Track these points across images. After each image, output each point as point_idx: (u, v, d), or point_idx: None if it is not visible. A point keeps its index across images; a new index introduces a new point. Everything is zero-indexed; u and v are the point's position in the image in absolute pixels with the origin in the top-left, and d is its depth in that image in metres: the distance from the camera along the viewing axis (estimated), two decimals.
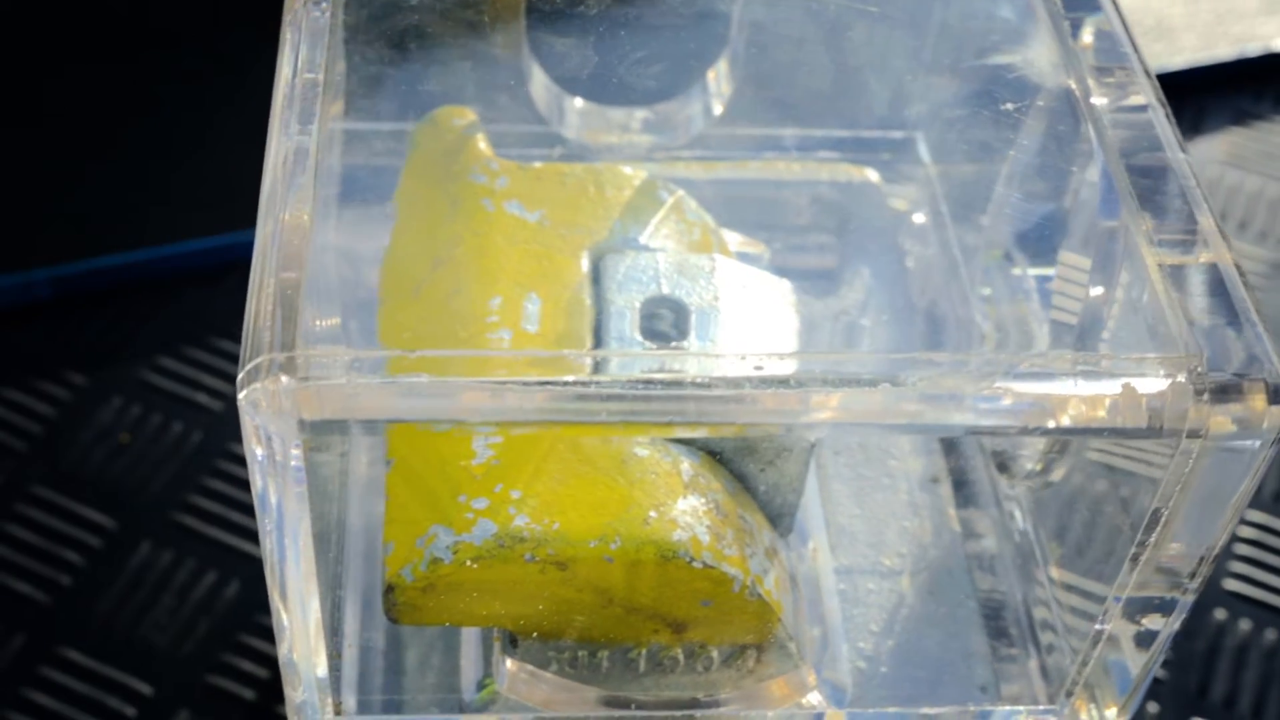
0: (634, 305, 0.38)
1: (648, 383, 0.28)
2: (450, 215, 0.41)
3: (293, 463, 0.27)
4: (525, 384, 0.27)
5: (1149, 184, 0.32)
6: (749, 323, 0.38)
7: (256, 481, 0.29)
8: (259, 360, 0.26)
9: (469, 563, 0.33)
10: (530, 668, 0.35)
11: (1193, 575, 0.33)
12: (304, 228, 0.28)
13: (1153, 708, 0.55)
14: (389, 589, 0.34)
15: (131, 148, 0.62)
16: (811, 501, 0.40)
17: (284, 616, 0.32)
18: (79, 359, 0.61)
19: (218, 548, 0.57)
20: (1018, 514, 0.39)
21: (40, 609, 0.54)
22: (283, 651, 0.33)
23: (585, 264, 0.39)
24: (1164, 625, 0.34)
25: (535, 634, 0.35)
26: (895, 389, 0.27)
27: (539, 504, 0.34)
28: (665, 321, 0.38)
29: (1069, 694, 0.35)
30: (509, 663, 0.35)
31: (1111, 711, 0.35)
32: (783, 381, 0.27)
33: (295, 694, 0.33)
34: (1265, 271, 0.69)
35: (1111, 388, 0.28)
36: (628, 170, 0.40)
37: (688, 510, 0.35)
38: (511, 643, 0.35)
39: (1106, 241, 0.34)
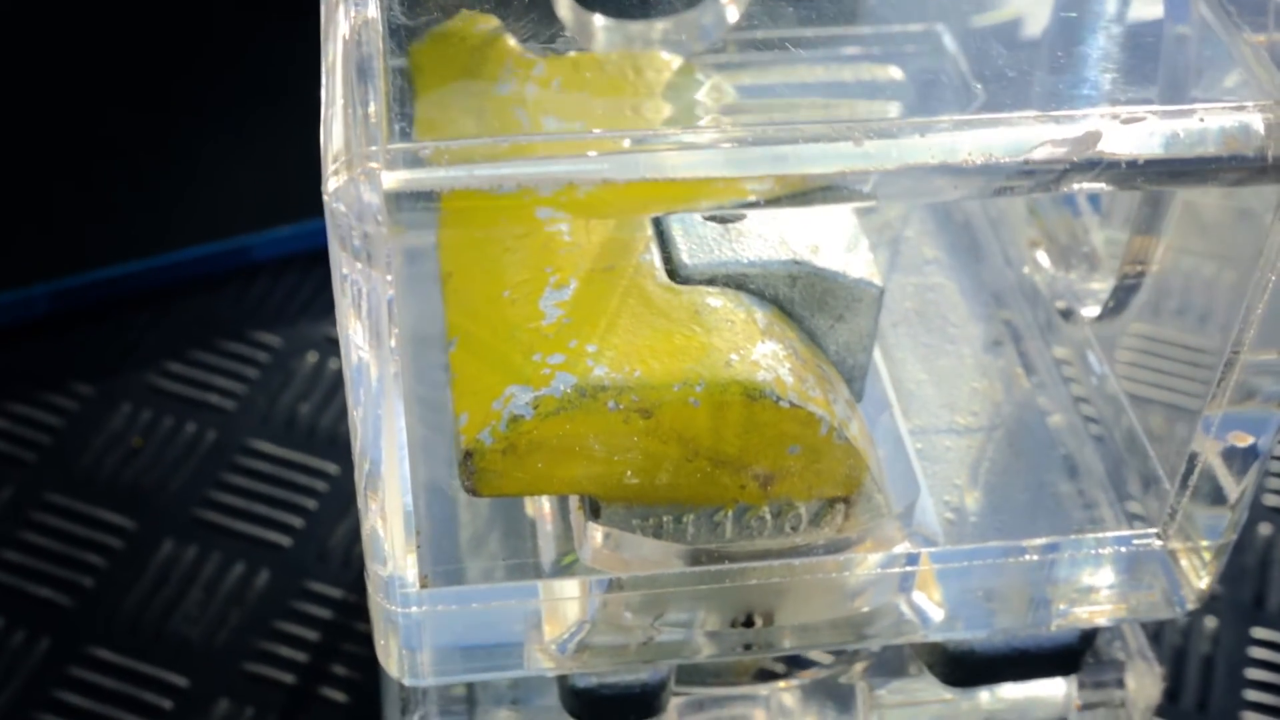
0: None
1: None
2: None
3: (385, 251, 0.26)
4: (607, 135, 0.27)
5: None
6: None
7: (345, 290, 0.27)
8: (344, 155, 0.25)
9: (551, 415, 0.32)
10: (614, 535, 0.33)
11: None
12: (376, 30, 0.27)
13: (1211, 622, 0.54)
14: (467, 455, 0.33)
15: (127, 158, 0.61)
16: (877, 370, 0.39)
17: (368, 469, 0.31)
18: (83, 370, 0.60)
19: (243, 539, 0.55)
20: (1091, 357, 0.38)
21: (63, 611, 0.52)
22: (367, 524, 0.31)
23: None
24: (1260, 442, 0.32)
25: (618, 500, 0.34)
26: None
27: (617, 355, 0.33)
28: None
29: (1171, 516, 0.33)
30: (592, 531, 0.33)
31: (1208, 543, 0.34)
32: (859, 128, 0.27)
33: (381, 568, 0.31)
34: None
35: (1215, 123, 0.27)
36: (665, 56, 0.40)
37: (768, 354, 0.33)
38: (594, 511, 0.34)
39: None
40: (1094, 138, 0.27)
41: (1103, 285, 0.38)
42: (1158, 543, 0.34)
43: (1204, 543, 0.34)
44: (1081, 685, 0.38)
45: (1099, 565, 0.34)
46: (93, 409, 0.58)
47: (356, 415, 0.30)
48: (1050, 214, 0.41)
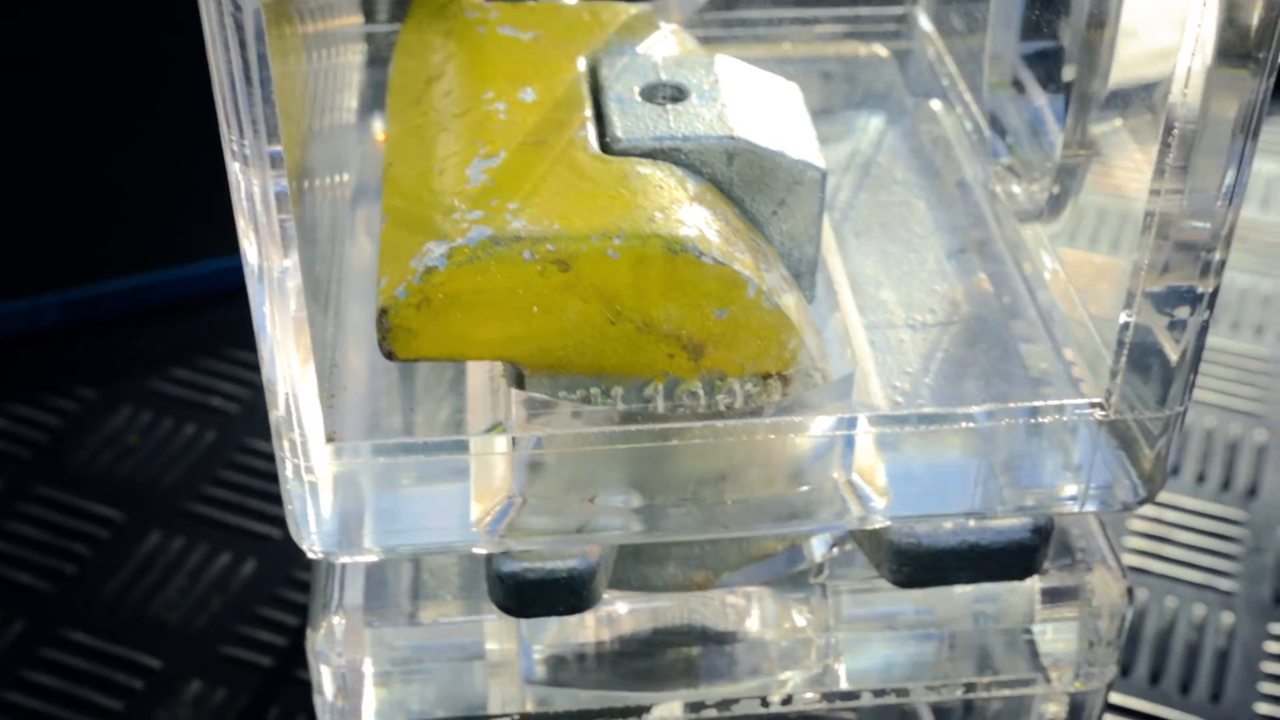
0: (632, 90, 0.36)
1: None
2: (443, 45, 0.40)
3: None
4: None
5: None
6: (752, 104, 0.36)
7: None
8: None
9: (465, 265, 0.31)
10: (539, 402, 0.32)
11: (1209, 250, 0.30)
12: None
13: (1228, 618, 0.51)
14: (382, 313, 0.31)
15: (142, 172, 0.61)
16: (836, 271, 0.37)
17: (265, 313, 0.29)
18: (87, 375, 0.59)
19: (232, 531, 0.53)
20: (1046, 258, 0.36)
21: (41, 596, 0.51)
22: (265, 369, 0.30)
23: (582, 65, 0.38)
24: (1192, 316, 0.31)
25: (543, 368, 0.32)
26: None
27: (537, 211, 0.32)
28: (664, 95, 0.36)
29: (1112, 380, 0.31)
30: (517, 399, 0.32)
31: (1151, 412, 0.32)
32: None
33: (286, 424, 0.30)
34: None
35: None
36: (625, 3, 0.39)
37: (694, 215, 0.32)
38: (518, 380, 0.32)
39: None
40: None
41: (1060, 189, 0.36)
42: (1100, 413, 0.32)
43: (1149, 414, 0.32)
44: (1043, 592, 0.35)
45: (1043, 438, 0.32)
46: (93, 410, 0.58)
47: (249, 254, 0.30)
48: (1022, 136, 0.40)
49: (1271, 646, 0.50)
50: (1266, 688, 0.49)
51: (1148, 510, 0.54)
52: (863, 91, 0.45)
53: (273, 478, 0.55)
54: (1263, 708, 0.48)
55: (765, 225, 0.34)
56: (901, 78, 0.45)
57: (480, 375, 0.34)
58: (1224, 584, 0.52)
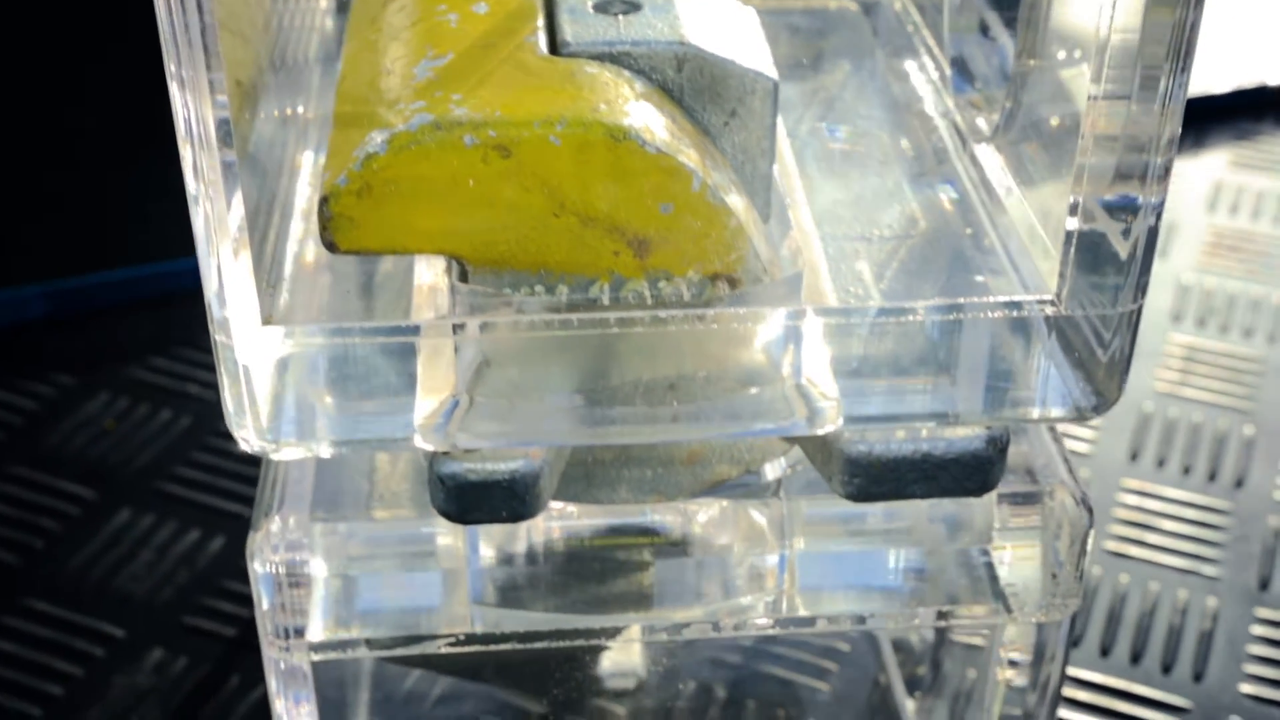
0: (585, 3, 0.36)
1: None
2: None
3: None
4: None
5: None
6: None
7: None
8: None
9: (405, 149, 0.30)
10: (485, 296, 0.31)
11: (1147, 152, 0.30)
12: None
13: (1213, 601, 0.50)
14: (322, 202, 0.31)
15: (128, 163, 0.62)
16: (793, 192, 0.37)
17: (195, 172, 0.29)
18: (68, 364, 0.59)
19: (204, 510, 0.53)
20: (1006, 175, 0.35)
21: (6, 568, 0.50)
22: (199, 246, 0.29)
23: None
24: (1136, 219, 0.30)
25: (486, 263, 0.32)
26: None
27: (481, 101, 0.32)
28: (617, 10, 0.36)
29: (1062, 277, 0.31)
30: (461, 293, 0.31)
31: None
32: None
33: (210, 288, 0.29)
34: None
35: None
36: None
37: (641, 109, 0.32)
38: (462, 275, 0.32)
39: None
40: None
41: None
42: (1051, 308, 0.31)
43: (1100, 310, 0.31)
44: (1002, 513, 0.34)
45: (996, 339, 0.32)
46: (71, 396, 0.58)
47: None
48: (987, 77, 0.40)
49: (1257, 629, 0.49)
50: (1251, 669, 0.47)
51: (1133, 499, 0.53)
52: (832, 44, 0.45)
53: (248, 460, 0.54)
54: (1246, 688, 0.47)
55: (718, 138, 0.34)
56: (870, 29, 0.45)
57: (425, 275, 0.34)
58: (1209, 569, 0.51)
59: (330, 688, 0.38)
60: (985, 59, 0.40)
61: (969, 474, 0.33)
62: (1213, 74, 0.79)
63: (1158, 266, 0.66)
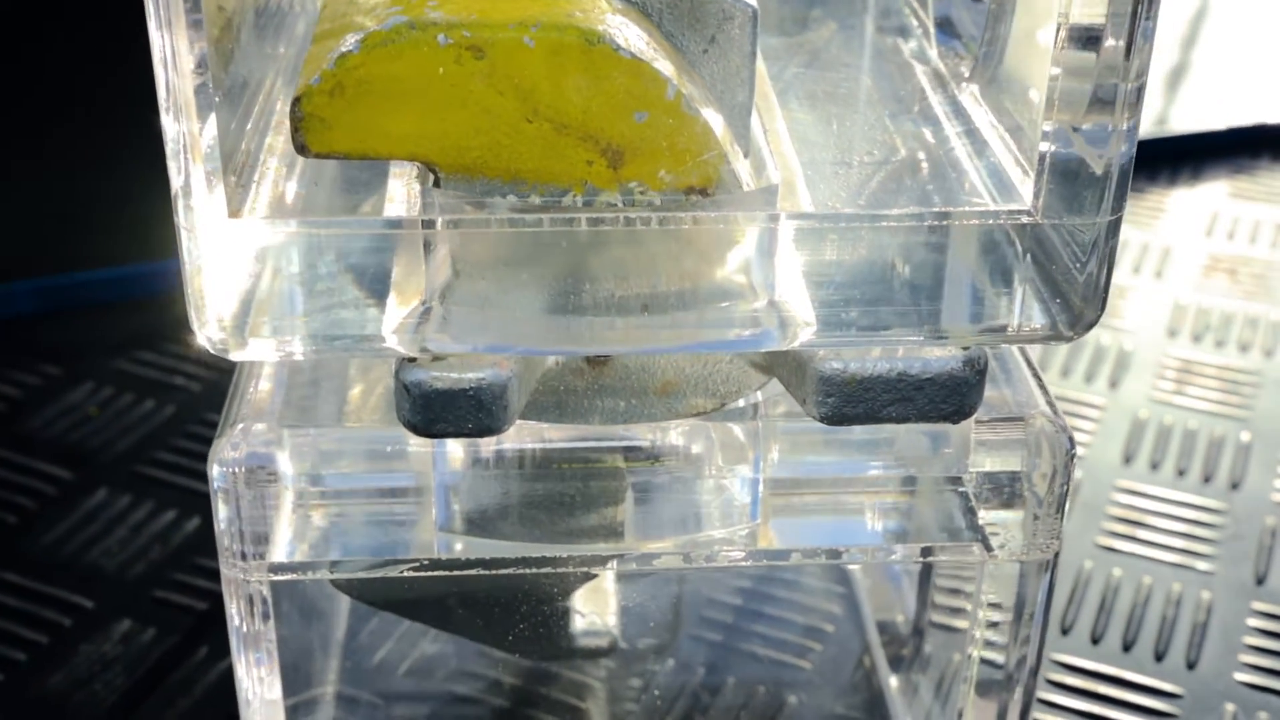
0: None
1: None
2: None
3: None
4: None
5: None
6: None
7: None
8: None
9: (379, 48, 0.30)
10: (456, 198, 0.31)
11: (1119, 75, 0.30)
12: None
13: (1206, 595, 0.48)
14: (295, 102, 0.31)
15: (118, 161, 0.62)
16: (775, 124, 0.37)
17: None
18: (54, 356, 0.59)
19: (181, 491, 0.52)
20: (984, 114, 0.35)
21: None
22: (168, 139, 0.29)
23: None
24: (1110, 139, 0.30)
25: (459, 169, 0.32)
26: None
27: (457, 7, 0.32)
28: None
29: (1037, 194, 0.30)
30: (432, 199, 0.31)
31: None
32: None
33: (176, 180, 0.29)
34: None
35: None
36: None
37: (616, 19, 0.31)
38: (435, 183, 0.32)
39: None
40: None
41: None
42: (1027, 218, 0.31)
43: (1078, 220, 0.31)
44: (980, 444, 0.34)
45: (968, 249, 0.31)
46: (55, 385, 0.57)
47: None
48: (971, 29, 0.40)
49: (1253, 621, 0.48)
50: (1247, 658, 0.46)
51: (1128, 499, 0.53)
52: (820, 6, 0.45)
53: None
54: (1241, 676, 0.46)
55: (697, 65, 0.34)
56: None
57: (398, 182, 0.33)
58: (1203, 565, 0.50)
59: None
60: (971, 20, 0.40)
61: (946, 396, 0.32)
62: (1211, 112, 0.79)
63: (1154, 286, 0.65)
